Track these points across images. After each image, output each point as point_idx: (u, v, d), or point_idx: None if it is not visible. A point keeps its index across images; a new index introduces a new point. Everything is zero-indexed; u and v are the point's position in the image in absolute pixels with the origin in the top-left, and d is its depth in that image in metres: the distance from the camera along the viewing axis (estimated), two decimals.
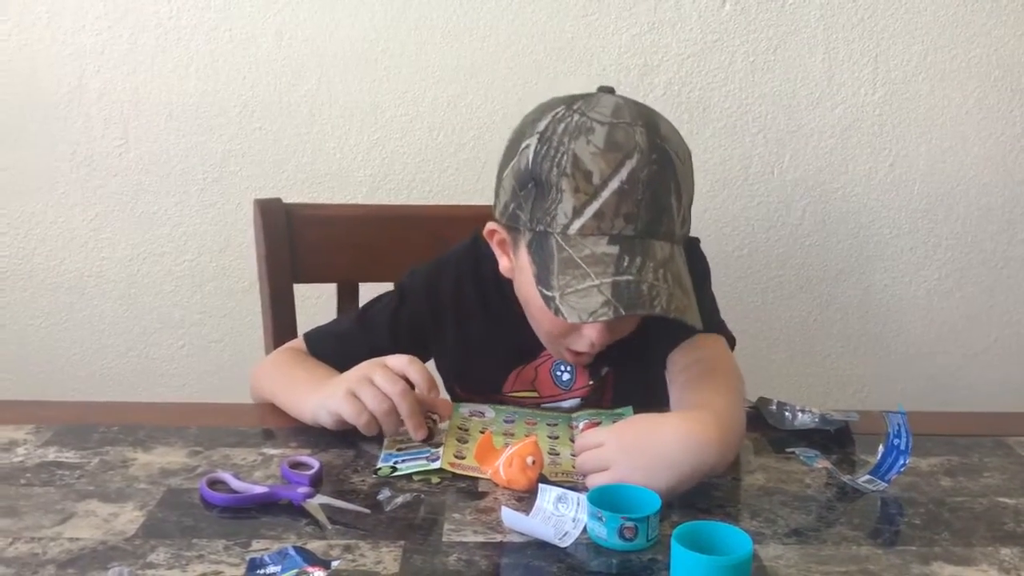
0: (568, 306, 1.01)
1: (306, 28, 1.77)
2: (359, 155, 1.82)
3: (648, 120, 1.07)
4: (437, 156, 1.82)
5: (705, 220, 1.87)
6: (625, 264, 1.01)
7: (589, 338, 1.11)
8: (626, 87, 1.80)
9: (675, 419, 1.02)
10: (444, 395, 1.34)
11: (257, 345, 1.51)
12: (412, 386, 1.08)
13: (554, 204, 1.04)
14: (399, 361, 1.08)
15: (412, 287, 1.26)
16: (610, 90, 1.12)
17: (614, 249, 1.02)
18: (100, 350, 1.89)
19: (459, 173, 1.83)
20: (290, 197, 1.50)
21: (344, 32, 1.77)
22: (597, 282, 1.01)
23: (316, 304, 1.55)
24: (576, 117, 1.05)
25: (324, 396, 1.09)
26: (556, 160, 1.04)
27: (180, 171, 1.82)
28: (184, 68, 1.78)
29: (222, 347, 1.89)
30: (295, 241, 1.47)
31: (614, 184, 1.02)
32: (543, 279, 1.04)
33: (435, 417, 1.11)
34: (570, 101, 1.09)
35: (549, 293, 1.03)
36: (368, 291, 1.43)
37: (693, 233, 1.30)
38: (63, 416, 1.15)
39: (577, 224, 1.03)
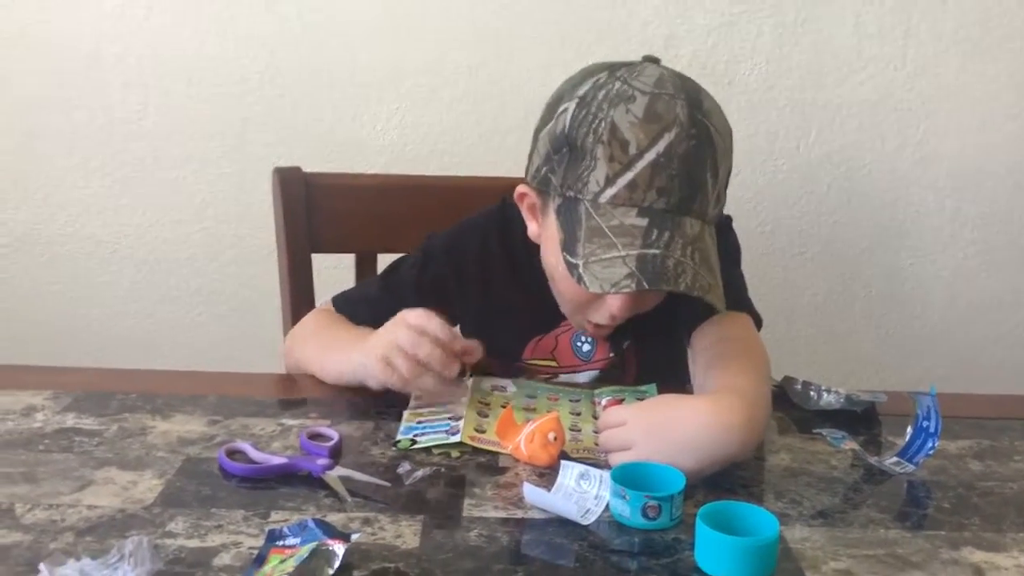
0: (591, 275, 0.99)
1: None
2: (379, 124, 1.80)
3: (691, 94, 1.04)
4: (458, 126, 1.80)
5: (729, 195, 1.82)
6: (653, 237, 0.99)
7: (610, 310, 1.09)
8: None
9: (700, 402, 1.00)
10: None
11: (275, 314, 1.50)
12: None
13: (587, 171, 1.02)
14: (418, 319, 1.07)
15: (434, 249, 1.25)
16: (655, 60, 1.10)
17: (643, 221, 1.00)
18: (117, 316, 1.88)
19: (480, 143, 1.81)
20: (309, 165, 1.48)
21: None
22: (623, 253, 0.99)
23: (334, 274, 1.54)
24: (618, 84, 1.03)
25: (362, 361, 1.09)
26: (593, 126, 1.02)
27: (199, 138, 1.80)
28: (204, 34, 1.76)
29: (239, 316, 1.88)
30: (314, 211, 1.46)
31: (650, 156, 1.00)
32: (569, 246, 1.03)
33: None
34: (613, 68, 1.06)
35: (573, 260, 1.02)
36: (386, 262, 1.42)
37: None
38: (82, 382, 1.15)
39: (609, 193, 1.01)
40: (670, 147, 1.00)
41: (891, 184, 1.85)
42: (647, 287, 0.98)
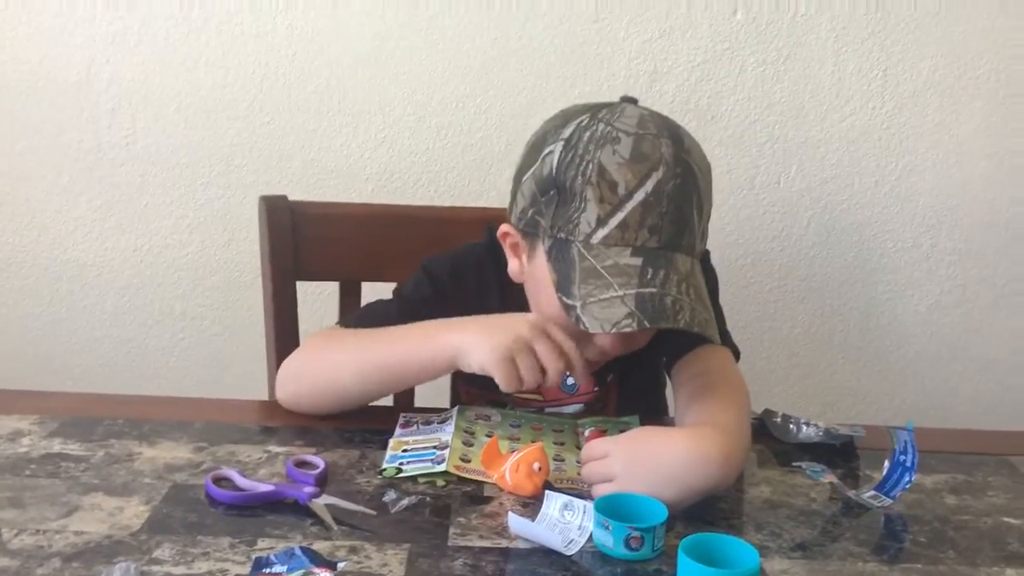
0: (590, 316, 1.01)
1: (317, 24, 1.76)
2: (366, 153, 1.82)
3: (673, 133, 1.07)
4: (444, 156, 1.82)
5: (710, 228, 1.85)
6: (649, 276, 1.01)
7: (602, 347, 1.10)
8: (635, 93, 1.76)
9: (681, 435, 1.01)
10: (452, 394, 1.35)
11: (258, 341, 1.51)
12: None
13: (577, 212, 1.03)
14: (560, 334, 1.05)
15: (437, 272, 1.25)
16: (633, 100, 1.12)
17: (637, 261, 1.02)
18: (100, 340, 1.88)
19: (466, 174, 1.82)
20: (296, 194, 1.49)
21: (354, 30, 1.77)
22: (620, 293, 1.00)
23: (318, 301, 1.55)
24: (601, 126, 1.05)
25: (471, 344, 1.05)
26: (581, 168, 1.04)
27: (186, 164, 1.81)
28: (193, 61, 1.77)
29: (222, 341, 1.88)
30: (299, 239, 1.47)
31: (639, 196, 1.02)
32: (564, 287, 1.04)
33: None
34: (594, 109, 1.08)
35: (570, 302, 1.03)
36: (370, 290, 1.43)
37: None
38: (68, 407, 1.15)
39: (601, 234, 1.03)
40: (658, 186, 1.02)
41: (869, 219, 1.89)
42: (648, 326, 0.99)
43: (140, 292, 1.87)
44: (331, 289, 1.51)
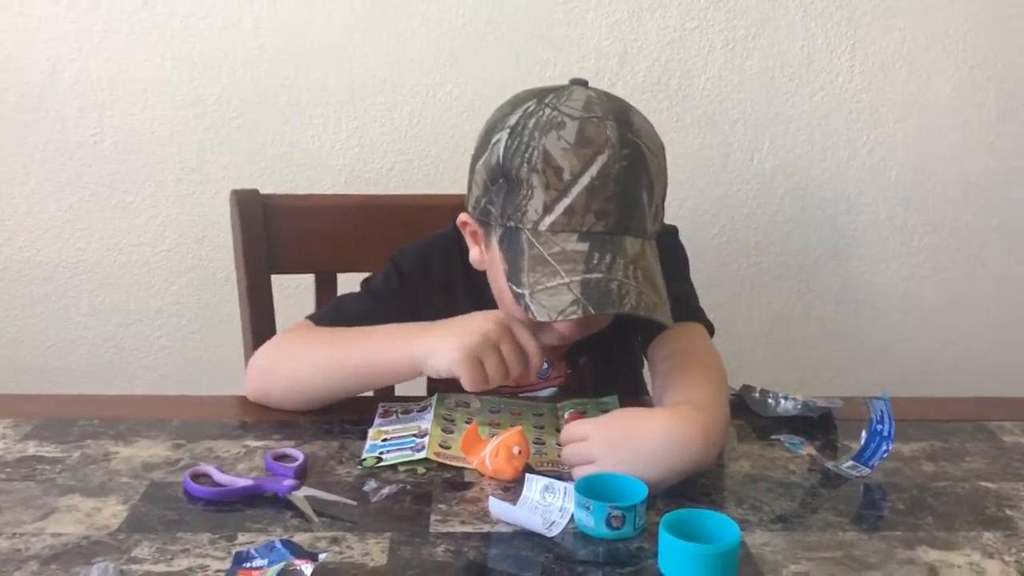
0: (538, 304, 1.01)
1: (283, 16, 1.75)
2: (337, 145, 1.81)
3: (620, 114, 1.06)
4: (415, 145, 1.81)
5: (684, 208, 1.87)
6: (595, 261, 1.01)
7: (560, 333, 1.11)
8: (605, 75, 1.81)
9: (660, 415, 1.01)
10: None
11: (235, 336, 1.50)
12: None
13: (524, 200, 1.03)
14: (524, 333, 1.07)
15: (404, 264, 1.25)
16: (583, 83, 1.11)
17: (584, 246, 1.02)
18: (76, 342, 1.87)
19: (437, 162, 1.82)
20: (267, 187, 1.48)
21: (321, 20, 1.76)
22: (567, 280, 1.00)
23: (294, 295, 1.54)
24: (547, 111, 1.05)
25: (437, 349, 1.06)
26: (527, 156, 1.03)
27: (156, 161, 1.80)
28: (159, 57, 1.75)
29: (200, 338, 1.87)
30: (272, 232, 1.46)
31: (584, 180, 1.02)
32: (514, 276, 1.04)
33: None
34: (542, 95, 1.08)
35: (519, 290, 1.03)
36: (347, 281, 1.43)
37: (672, 221, 1.31)
38: (42, 410, 1.14)
39: (548, 220, 1.02)
40: (603, 169, 1.02)
41: (843, 194, 1.89)
42: (593, 312, 0.99)
43: (115, 292, 1.85)
44: (307, 282, 1.50)
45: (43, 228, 1.81)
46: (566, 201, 1.02)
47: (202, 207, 1.81)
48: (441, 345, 1.06)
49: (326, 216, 1.50)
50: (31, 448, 1.04)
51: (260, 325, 1.44)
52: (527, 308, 1.01)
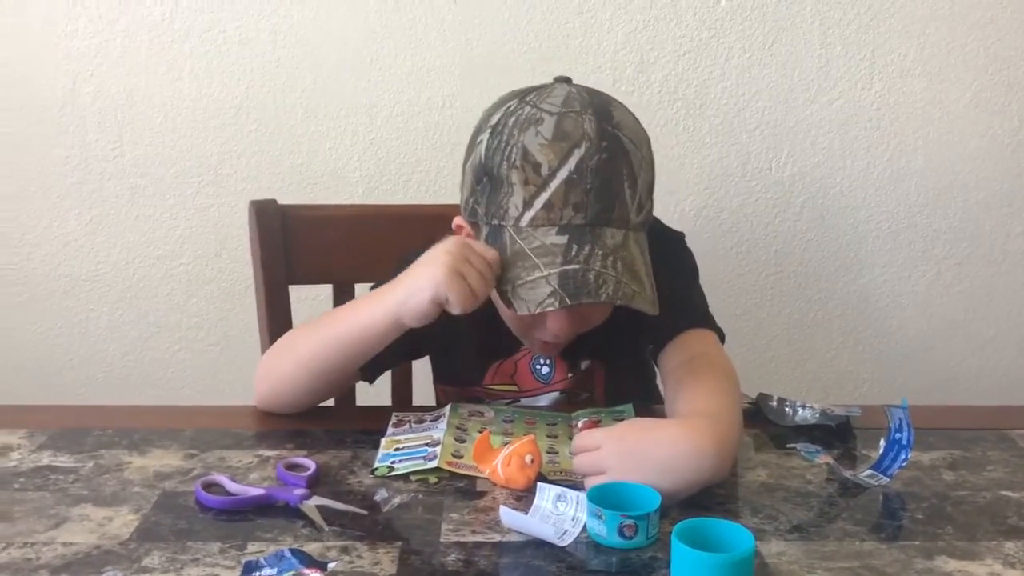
0: (519, 298, 1.02)
1: (300, 29, 1.76)
2: (355, 156, 1.81)
3: (599, 107, 1.06)
4: (433, 156, 1.81)
5: (703, 216, 1.86)
6: (573, 253, 1.01)
7: (551, 330, 1.11)
8: (622, 85, 1.81)
9: (673, 426, 1.00)
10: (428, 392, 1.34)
11: (254, 348, 1.50)
12: None
13: (506, 197, 1.04)
14: (479, 244, 1.07)
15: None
16: (566, 80, 1.12)
17: (563, 239, 1.02)
18: (97, 354, 1.88)
19: (455, 172, 1.77)
20: (286, 198, 1.49)
21: (338, 33, 1.76)
22: (545, 273, 1.01)
23: (312, 306, 1.54)
24: (527, 109, 1.06)
25: (420, 281, 1.04)
26: (506, 153, 1.04)
27: (175, 174, 1.81)
28: (178, 70, 1.77)
29: (219, 351, 1.88)
30: (290, 242, 1.46)
31: (562, 174, 1.02)
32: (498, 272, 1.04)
33: None
34: (524, 93, 1.09)
35: (503, 287, 1.04)
36: (364, 292, 1.42)
37: (690, 231, 1.30)
38: (57, 420, 1.14)
39: (528, 216, 1.03)
40: (581, 163, 1.02)
41: (863, 202, 1.87)
42: (569, 303, 0.99)
43: (134, 305, 1.86)
44: (324, 293, 1.50)
45: (64, 241, 1.83)
46: (544, 196, 1.02)
47: (221, 220, 1.82)
48: (416, 283, 1.05)
49: (344, 226, 1.50)
50: (45, 458, 1.04)
51: (278, 336, 1.42)
52: (509, 304, 1.02)
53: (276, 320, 1.46)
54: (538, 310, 1.00)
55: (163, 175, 1.81)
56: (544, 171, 1.02)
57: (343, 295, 1.48)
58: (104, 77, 1.76)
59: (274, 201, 1.47)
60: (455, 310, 1.05)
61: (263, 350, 1.46)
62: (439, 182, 1.82)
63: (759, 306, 1.91)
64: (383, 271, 1.37)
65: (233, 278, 1.83)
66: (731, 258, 1.88)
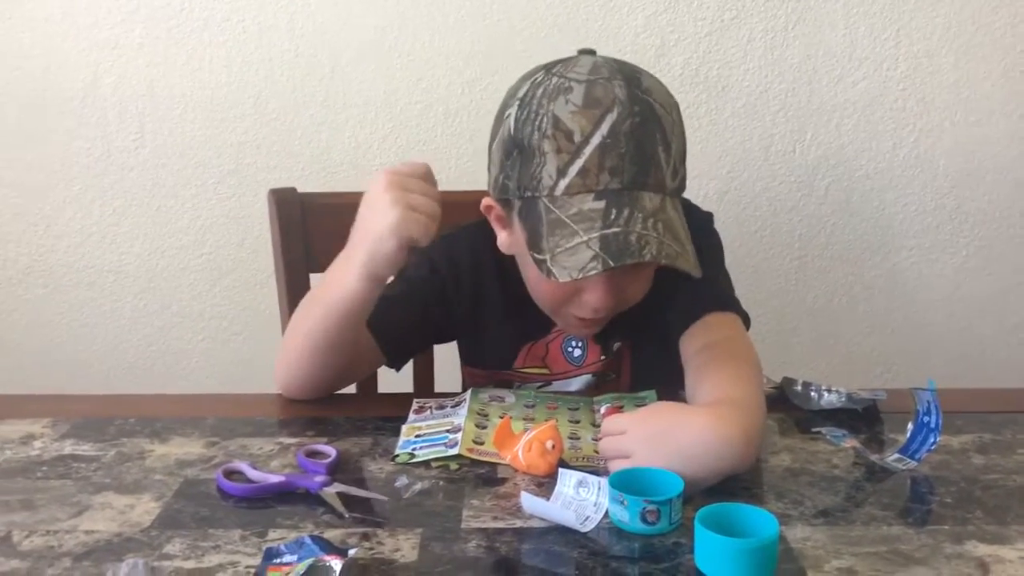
0: (559, 266, 0.99)
1: (319, 18, 1.75)
2: (374, 143, 1.81)
3: (628, 74, 1.05)
4: (452, 142, 1.81)
5: (726, 200, 1.84)
6: (612, 217, 1.00)
7: (590, 303, 1.09)
8: (643, 67, 1.78)
9: (700, 413, 0.98)
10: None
11: (276, 337, 1.49)
12: None
13: (539, 168, 1.02)
14: (409, 166, 1.08)
15: (435, 253, 1.23)
16: (591, 51, 1.11)
17: (600, 204, 1.00)
18: (120, 345, 1.89)
19: (475, 159, 1.81)
20: (306, 187, 1.49)
21: (357, 20, 1.76)
22: (585, 238, 0.99)
23: None
24: (555, 79, 1.05)
25: (378, 231, 1.04)
26: (536, 123, 1.03)
27: (196, 164, 1.81)
28: (197, 61, 1.77)
29: (241, 340, 1.89)
30: (310, 231, 1.46)
31: (596, 140, 1.01)
32: (534, 243, 1.03)
33: None
34: (549, 66, 1.08)
35: (540, 256, 1.01)
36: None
37: (714, 214, 1.29)
38: (80, 409, 1.15)
39: (563, 184, 1.01)
40: (614, 127, 1.01)
41: (889, 184, 1.85)
42: (613, 265, 0.97)
43: (157, 295, 1.87)
44: None
45: (87, 233, 1.84)
46: (579, 162, 1.01)
47: (242, 209, 1.82)
48: (374, 234, 1.04)
49: None
50: (68, 447, 1.04)
51: None
52: (549, 273, 1.00)
53: (296, 307, 1.46)
54: (580, 275, 0.98)
55: (184, 166, 1.81)
56: (577, 138, 1.01)
57: None
58: (124, 68, 1.77)
59: (294, 189, 1.47)
60: (423, 243, 1.04)
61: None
62: (459, 168, 1.81)
63: (784, 290, 1.89)
64: None
65: (254, 267, 1.84)
66: (755, 242, 1.86)
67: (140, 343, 1.89)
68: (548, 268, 1.00)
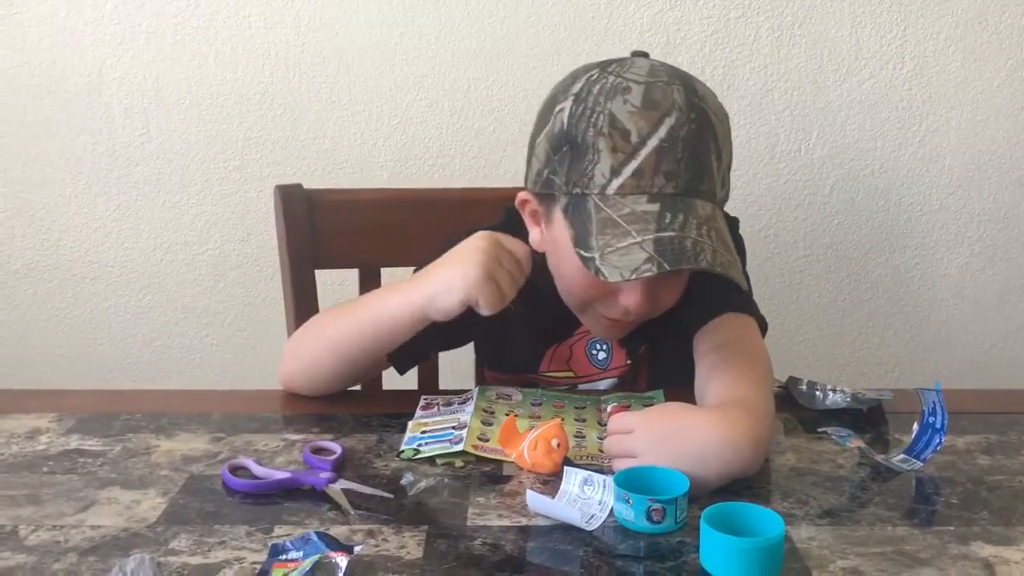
0: (609, 265, 0.98)
1: (324, 13, 1.75)
2: (380, 140, 1.81)
3: (685, 80, 1.05)
4: (458, 138, 1.81)
5: (732, 199, 1.80)
6: (667, 221, 0.98)
7: (625, 306, 1.08)
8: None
9: (709, 415, 0.98)
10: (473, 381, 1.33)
11: (281, 333, 1.50)
12: None
13: (591, 165, 1.01)
14: (509, 240, 1.08)
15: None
16: (644, 54, 1.10)
17: (655, 207, 0.99)
18: (125, 340, 1.89)
19: (480, 155, 1.81)
20: (311, 183, 1.48)
21: (362, 16, 1.76)
22: (639, 239, 0.98)
23: (338, 290, 1.54)
24: (611, 78, 1.03)
25: (452, 281, 1.05)
26: (592, 120, 1.02)
27: (201, 159, 1.81)
28: (203, 56, 1.77)
29: (246, 336, 1.89)
30: (316, 227, 1.46)
31: (653, 142, 1.00)
32: (581, 240, 1.01)
33: None
34: (604, 64, 1.07)
35: (588, 254, 1.00)
36: (390, 276, 1.43)
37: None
38: (86, 405, 1.15)
39: (616, 183, 1.00)
40: (672, 131, 1.00)
41: (894, 183, 1.85)
42: (668, 268, 0.96)
43: (162, 290, 1.87)
44: (350, 277, 1.50)
45: (92, 228, 1.84)
46: (634, 163, 1.00)
47: (247, 205, 1.82)
48: (448, 280, 1.05)
49: (369, 210, 1.49)
50: (74, 442, 1.05)
51: (305, 320, 1.43)
52: (597, 271, 0.98)
53: (302, 305, 1.46)
54: (634, 276, 0.97)
55: (189, 161, 1.81)
56: (633, 138, 1.00)
57: (369, 279, 1.48)
58: (130, 63, 1.77)
59: (300, 185, 1.47)
60: (484, 312, 1.05)
61: (289, 335, 1.46)
62: (464, 165, 1.81)
63: (788, 289, 1.89)
64: (409, 255, 1.37)
65: (260, 263, 1.84)
66: (759, 241, 1.86)
67: (145, 338, 1.89)
68: (596, 267, 0.98)
